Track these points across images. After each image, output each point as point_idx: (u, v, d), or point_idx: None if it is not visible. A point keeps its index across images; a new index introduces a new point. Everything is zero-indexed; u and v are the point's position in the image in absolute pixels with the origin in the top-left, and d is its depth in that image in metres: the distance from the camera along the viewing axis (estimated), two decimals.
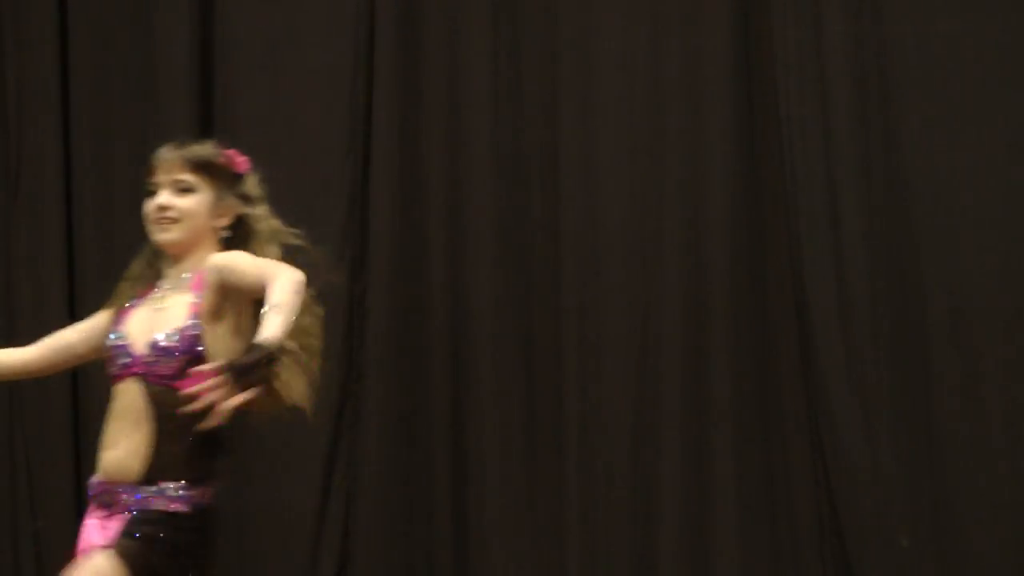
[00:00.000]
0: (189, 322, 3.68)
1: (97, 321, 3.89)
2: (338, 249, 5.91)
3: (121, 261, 5.86)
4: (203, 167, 3.77)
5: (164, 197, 3.71)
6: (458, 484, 5.92)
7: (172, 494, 3.68)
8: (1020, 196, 5.71)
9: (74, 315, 5.92)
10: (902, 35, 5.78)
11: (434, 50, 6.00)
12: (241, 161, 3.90)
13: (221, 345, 3.66)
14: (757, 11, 5.84)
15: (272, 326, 3.40)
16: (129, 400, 3.68)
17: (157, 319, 3.75)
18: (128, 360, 3.68)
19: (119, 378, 3.71)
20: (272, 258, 3.78)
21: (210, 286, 3.68)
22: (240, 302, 3.66)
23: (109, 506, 3.66)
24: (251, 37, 6.07)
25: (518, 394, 5.92)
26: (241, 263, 3.68)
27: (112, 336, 3.73)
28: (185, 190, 3.75)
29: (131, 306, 3.82)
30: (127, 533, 3.62)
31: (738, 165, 5.85)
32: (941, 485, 5.66)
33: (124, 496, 3.66)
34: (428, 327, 5.98)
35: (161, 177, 3.73)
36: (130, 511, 3.65)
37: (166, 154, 3.76)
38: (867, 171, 5.77)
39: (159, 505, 3.67)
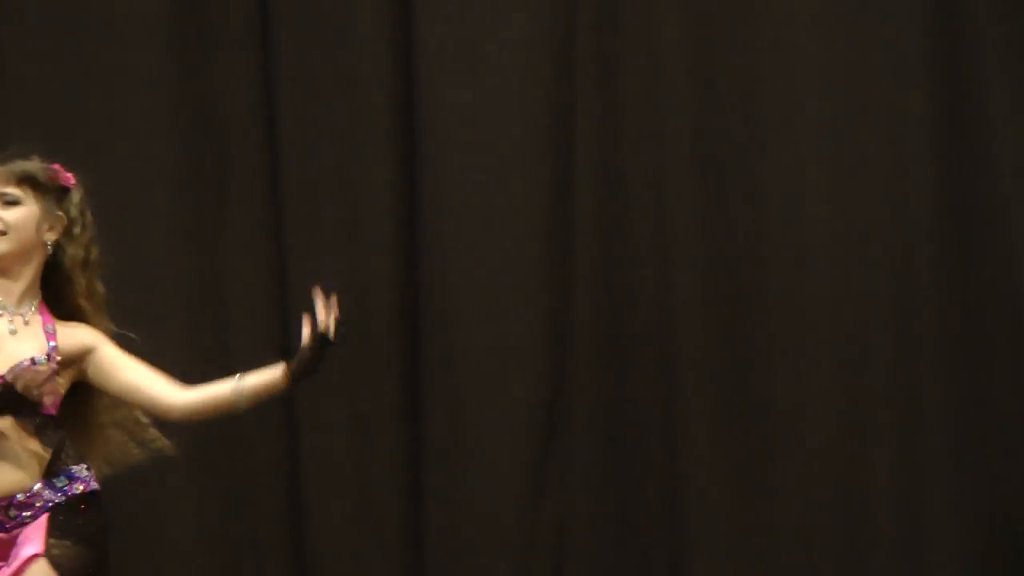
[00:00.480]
0: (53, 345, 3.84)
1: None
2: (542, 250, 6.04)
3: (330, 267, 6.13)
4: (28, 180, 3.85)
5: None
6: (671, 490, 6.03)
7: (83, 475, 3.86)
8: None
9: (285, 323, 6.14)
10: None
11: (632, 49, 6.04)
12: (67, 176, 3.97)
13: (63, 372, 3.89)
14: (960, 4, 5.89)
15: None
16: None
17: (10, 341, 3.86)
18: None
19: None
20: (86, 287, 3.95)
21: (74, 359, 3.88)
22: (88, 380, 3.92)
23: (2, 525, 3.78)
24: (450, 38, 6.16)
25: (727, 396, 6.00)
26: (130, 369, 3.93)
27: None
28: (11, 202, 3.83)
29: None
30: (55, 535, 3.76)
31: (943, 162, 5.88)
32: None
33: (35, 499, 3.77)
34: (634, 329, 6.05)
35: None
36: (47, 507, 3.78)
37: None
38: None
39: (78, 488, 3.84)
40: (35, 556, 3.76)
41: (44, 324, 3.89)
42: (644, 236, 6.01)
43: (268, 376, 3.81)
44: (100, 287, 4.02)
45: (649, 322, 6.01)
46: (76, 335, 3.88)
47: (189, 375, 5.98)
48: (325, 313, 3.76)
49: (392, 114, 6.10)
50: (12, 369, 3.75)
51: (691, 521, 5.96)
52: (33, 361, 3.77)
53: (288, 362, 3.78)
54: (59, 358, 3.84)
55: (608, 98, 6.03)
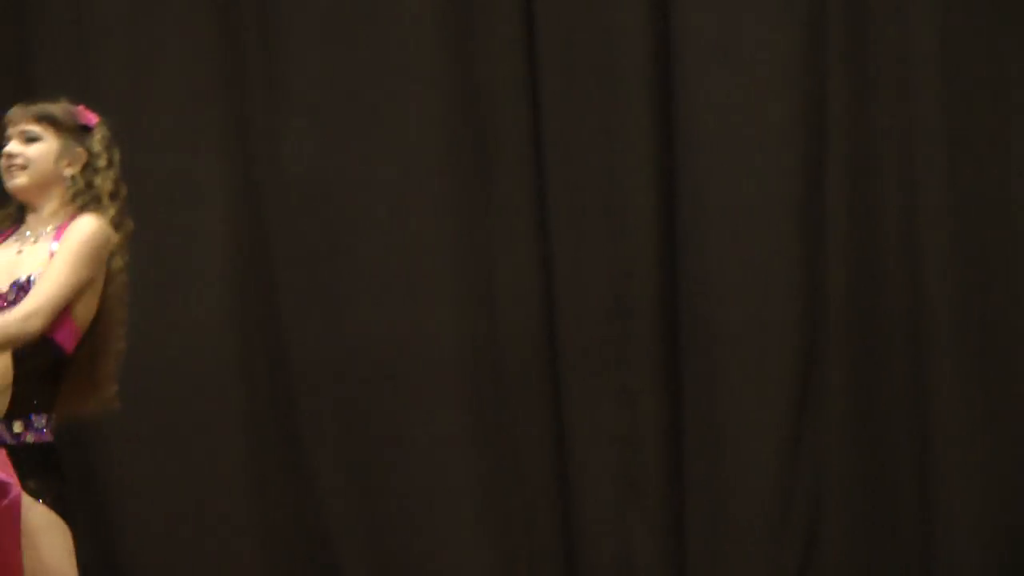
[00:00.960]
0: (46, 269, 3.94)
1: None
2: (795, 230, 6.09)
3: (593, 249, 6.21)
4: (47, 119, 4.04)
5: (12, 145, 4.01)
6: (920, 460, 6.06)
7: (39, 426, 3.96)
8: None
9: (551, 302, 6.28)
10: None
11: (881, 36, 6.10)
12: (90, 116, 4.12)
13: (78, 297, 3.95)
14: None
15: None
16: None
17: (17, 262, 4.00)
18: None
19: None
20: (115, 217, 4.03)
21: None
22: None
23: None
24: (706, 30, 6.23)
25: (975, 370, 6.01)
26: (52, 264, 3.96)
27: None
28: (31, 139, 4.02)
29: None
30: (21, 474, 3.85)
31: None
32: None
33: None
34: (885, 306, 6.09)
35: (11, 130, 4.05)
36: (4, 445, 3.89)
37: (16, 110, 4.07)
38: None
39: (30, 438, 3.94)
40: (16, 495, 3.86)
41: (51, 244, 4.02)
42: (895, 216, 6.07)
43: None
44: (130, 222, 4.17)
45: (900, 299, 6.05)
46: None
47: (459, 354, 6.27)
48: None
49: (651, 102, 6.22)
50: None
51: (942, 490, 5.99)
52: (16, 284, 3.94)
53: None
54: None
55: (858, 85, 6.09)
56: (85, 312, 4.02)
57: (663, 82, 6.24)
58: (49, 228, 4.07)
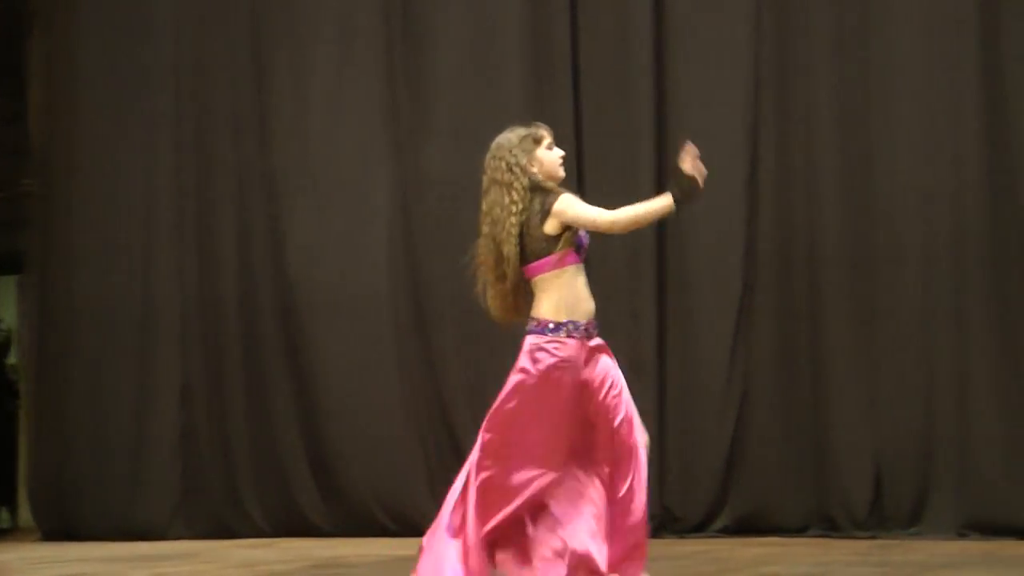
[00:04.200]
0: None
1: None
2: (737, 209, 7.84)
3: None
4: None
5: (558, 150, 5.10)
6: (816, 362, 7.85)
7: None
8: None
9: None
10: None
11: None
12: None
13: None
14: None
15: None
16: (582, 275, 4.98)
17: None
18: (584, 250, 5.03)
19: (582, 260, 5.01)
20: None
21: None
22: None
23: (589, 336, 4.95)
24: (690, 50, 7.95)
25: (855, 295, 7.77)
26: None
27: (580, 235, 4.97)
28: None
29: None
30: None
31: None
32: None
33: (596, 331, 4.96)
34: (795, 258, 7.84)
35: (551, 139, 5.12)
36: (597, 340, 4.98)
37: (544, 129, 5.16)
38: None
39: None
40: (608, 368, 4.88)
41: None
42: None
43: (657, 202, 4.76)
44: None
45: (802, 247, 7.77)
46: None
47: None
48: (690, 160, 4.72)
49: (653, 105, 8.01)
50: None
51: (829, 369, 7.77)
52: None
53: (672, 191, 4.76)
54: None
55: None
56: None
57: (660, 97, 8.13)
58: None
